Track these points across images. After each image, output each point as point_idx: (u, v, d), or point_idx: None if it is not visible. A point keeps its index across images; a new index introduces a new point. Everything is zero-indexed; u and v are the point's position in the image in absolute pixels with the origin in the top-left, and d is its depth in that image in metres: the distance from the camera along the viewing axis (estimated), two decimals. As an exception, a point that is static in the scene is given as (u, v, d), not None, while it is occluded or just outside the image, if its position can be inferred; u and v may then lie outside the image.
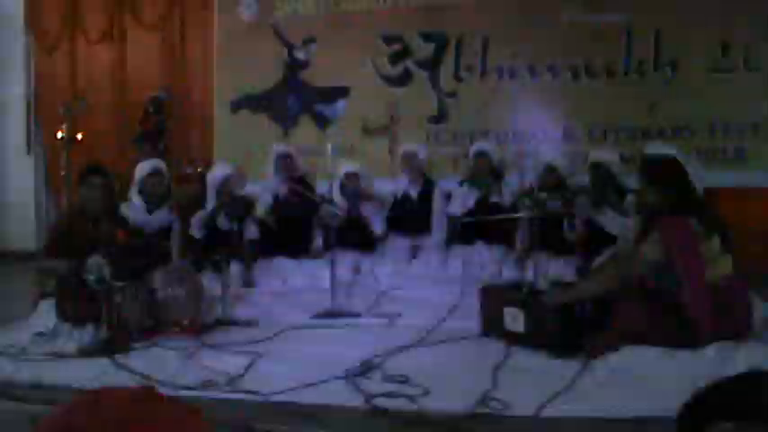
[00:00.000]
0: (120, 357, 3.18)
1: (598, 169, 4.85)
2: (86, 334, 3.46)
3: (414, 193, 5.61)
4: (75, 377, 2.91)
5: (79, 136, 6.24)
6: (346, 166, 5.41)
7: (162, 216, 4.73)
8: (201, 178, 5.57)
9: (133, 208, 4.65)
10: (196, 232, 5.01)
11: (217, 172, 5.21)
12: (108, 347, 3.27)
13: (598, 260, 4.31)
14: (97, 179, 3.89)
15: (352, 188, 5.36)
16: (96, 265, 3.37)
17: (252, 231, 5.10)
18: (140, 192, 4.76)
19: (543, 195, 4.70)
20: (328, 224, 4.51)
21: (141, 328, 3.50)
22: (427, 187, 5.63)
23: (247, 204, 5.06)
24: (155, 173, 4.79)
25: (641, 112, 5.90)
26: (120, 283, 3.45)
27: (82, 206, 3.95)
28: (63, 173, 5.89)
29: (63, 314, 3.70)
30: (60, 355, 3.25)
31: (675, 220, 3.11)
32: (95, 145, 6.78)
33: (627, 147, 5.80)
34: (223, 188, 5.05)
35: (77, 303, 3.59)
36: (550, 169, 5.02)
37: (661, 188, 3.19)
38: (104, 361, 3.14)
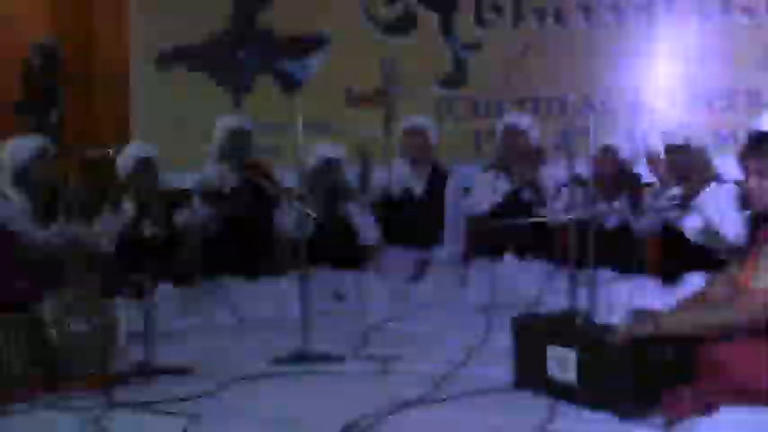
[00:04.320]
0: (-9, 423, 3.18)
1: (680, 151, 4.84)
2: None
3: (418, 187, 5.64)
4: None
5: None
6: (323, 150, 5.43)
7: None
8: (112, 164, 5.57)
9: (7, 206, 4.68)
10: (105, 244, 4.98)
11: (131, 154, 5.21)
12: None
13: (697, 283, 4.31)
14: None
15: (332, 181, 5.38)
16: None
17: (189, 239, 5.13)
18: (19, 182, 4.76)
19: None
20: (297, 230, 4.51)
21: (23, 382, 3.49)
22: (437, 179, 5.66)
23: (178, 202, 5.07)
24: (40, 155, 4.78)
25: (751, 66, 5.89)
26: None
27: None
28: None
29: None
30: None
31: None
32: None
33: (724, 119, 5.87)
34: (142, 179, 5.08)
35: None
36: (606, 152, 5.04)
37: None
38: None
